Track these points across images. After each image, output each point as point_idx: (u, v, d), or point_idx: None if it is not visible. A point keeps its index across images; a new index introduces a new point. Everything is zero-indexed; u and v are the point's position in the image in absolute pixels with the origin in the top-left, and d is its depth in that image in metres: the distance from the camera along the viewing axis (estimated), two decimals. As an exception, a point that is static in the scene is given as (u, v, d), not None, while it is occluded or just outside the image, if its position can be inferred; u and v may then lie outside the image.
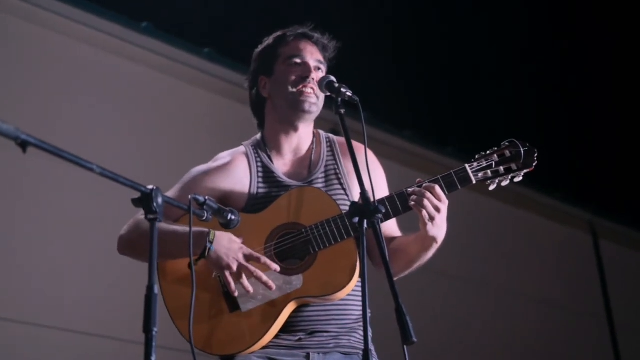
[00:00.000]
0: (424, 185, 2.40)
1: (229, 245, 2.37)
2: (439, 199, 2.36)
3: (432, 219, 2.35)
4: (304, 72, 2.57)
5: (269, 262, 2.38)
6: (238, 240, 2.40)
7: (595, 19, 7.53)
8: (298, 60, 2.59)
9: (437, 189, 2.37)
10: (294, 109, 2.55)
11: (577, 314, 7.54)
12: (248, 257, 2.38)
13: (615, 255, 8.17)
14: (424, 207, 2.35)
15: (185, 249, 2.19)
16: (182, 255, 2.38)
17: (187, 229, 2.26)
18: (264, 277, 2.37)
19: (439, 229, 2.39)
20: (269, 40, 2.68)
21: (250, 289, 2.38)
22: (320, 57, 2.63)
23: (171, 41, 5.39)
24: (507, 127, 6.64)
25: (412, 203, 2.37)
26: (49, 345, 4.45)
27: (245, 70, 2.75)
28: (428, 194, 2.36)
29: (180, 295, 2.40)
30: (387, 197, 2.42)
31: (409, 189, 2.40)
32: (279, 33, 2.67)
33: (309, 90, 2.54)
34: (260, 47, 2.69)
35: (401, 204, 2.40)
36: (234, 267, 2.36)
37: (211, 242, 2.35)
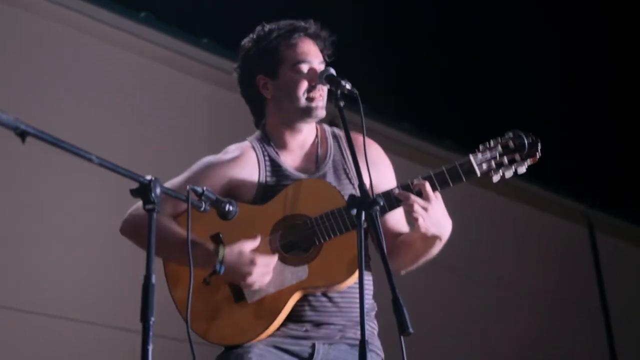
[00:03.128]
0: (415, 183, 2.39)
1: (238, 261, 2.38)
2: (427, 199, 2.35)
3: (421, 218, 2.34)
4: (313, 79, 2.54)
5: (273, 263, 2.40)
6: (247, 251, 2.40)
7: (592, 10, 7.52)
8: (306, 68, 2.55)
9: (427, 187, 2.36)
10: (305, 116, 2.56)
11: (572, 306, 7.55)
12: (258, 265, 2.38)
13: (611, 248, 8.19)
14: (409, 209, 2.35)
15: (192, 260, 2.18)
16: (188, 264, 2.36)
17: (194, 239, 2.30)
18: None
19: (437, 227, 2.38)
20: (267, 36, 2.59)
21: (264, 289, 2.41)
22: (322, 56, 2.61)
23: (170, 31, 5.37)
24: (504, 120, 6.65)
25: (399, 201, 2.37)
26: (47, 333, 4.46)
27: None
28: (412, 197, 2.35)
29: (186, 285, 2.40)
30: (383, 193, 2.41)
31: (395, 190, 2.40)
32: (280, 31, 2.59)
33: (318, 95, 2.54)
34: (256, 42, 2.61)
35: (390, 201, 2.39)
36: (247, 280, 2.38)
37: (220, 263, 2.37)
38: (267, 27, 2.62)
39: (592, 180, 7.88)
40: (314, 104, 2.54)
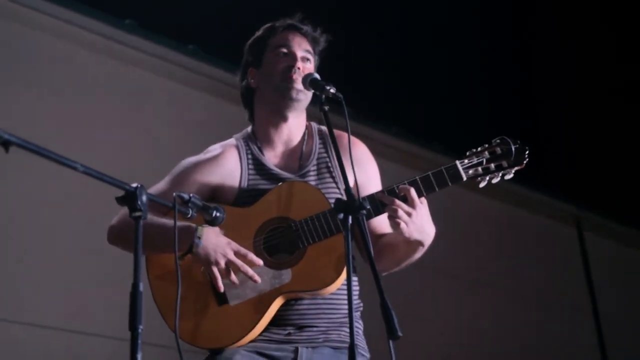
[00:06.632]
0: (400, 187, 2.37)
1: (216, 241, 2.38)
2: (412, 204, 2.33)
3: (405, 223, 2.32)
4: (290, 61, 2.56)
5: (255, 258, 2.38)
6: (225, 235, 2.40)
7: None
8: (285, 50, 2.59)
9: (412, 192, 2.34)
10: (281, 97, 2.54)
11: (562, 306, 7.58)
12: (236, 253, 2.38)
13: (599, 248, 8.22)
14: (393, 213, 2.32)
15: (172, 244, 2.19)
16: (169, 250, 2.38)
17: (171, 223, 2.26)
18: (250, 272, 2.38)
19: (421, 233, 2.35)
20: (258, 32, 2.69)
21: (238, 283, 2.39)
22: (309, 48, 2.63)
23: (155, 38, 5.37)
24: (493, 123, 6.68)
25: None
26: (33, 343, 4.43)
27: (230, 67, 2.75)
28: (397, 202, 2.33)
29: (168, 290, 2.40)
30: (367, 196, 2.40)
31: (379, 194, 2.38)
32: (268, 25, 2.68)
33: (294, 78, 2.53)
34: (250, 40, 2.70)
35: (375, 206, 2.37)
36: (222, 262, 2.37)
37: (199, 238, 2.35)
38: (262, 27, 2.69)
39: (581, 181, 7.90)
40: (289, 85, 2.52)
